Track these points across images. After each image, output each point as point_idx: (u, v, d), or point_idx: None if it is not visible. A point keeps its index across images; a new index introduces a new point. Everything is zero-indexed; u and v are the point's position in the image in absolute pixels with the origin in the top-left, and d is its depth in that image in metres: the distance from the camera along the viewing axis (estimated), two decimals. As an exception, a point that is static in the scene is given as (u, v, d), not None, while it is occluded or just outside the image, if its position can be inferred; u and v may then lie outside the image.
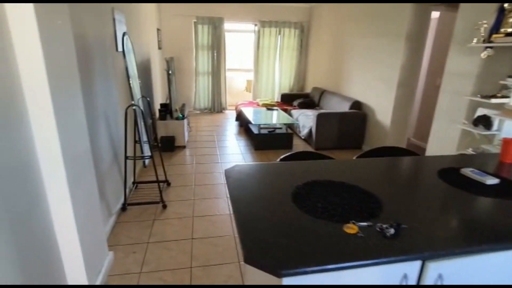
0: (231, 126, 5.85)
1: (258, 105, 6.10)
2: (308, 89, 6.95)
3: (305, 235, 0.92)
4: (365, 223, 1.00)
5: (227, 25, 6.49)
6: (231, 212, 2.70)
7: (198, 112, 6.94)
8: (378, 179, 1.37)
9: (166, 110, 4.38)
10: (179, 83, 6.62)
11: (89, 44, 2.07)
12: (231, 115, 6.74)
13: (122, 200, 2.70)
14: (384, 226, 0.97)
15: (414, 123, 4.98)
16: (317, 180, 1.30)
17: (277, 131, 4.62)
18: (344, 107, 4.68)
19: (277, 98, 7.10)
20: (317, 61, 6.49)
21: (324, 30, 6.06)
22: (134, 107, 2.58)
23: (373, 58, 4.31)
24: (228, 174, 1.34)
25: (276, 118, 4.97)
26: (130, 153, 2.79)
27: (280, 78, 7.10)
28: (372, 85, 4.35)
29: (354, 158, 1.78)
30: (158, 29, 5.73)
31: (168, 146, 4.22)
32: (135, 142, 2.84)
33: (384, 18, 4.02)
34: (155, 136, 3.57)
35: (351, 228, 0.96)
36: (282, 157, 1.73)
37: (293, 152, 1.74)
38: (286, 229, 0.95)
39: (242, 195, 1.16)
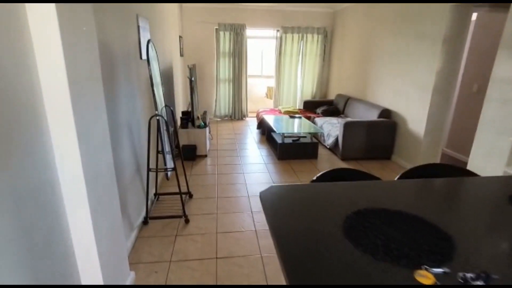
0: (252, 134, 5.71)
1: (280, 112, 5.94)
2: (331, 96, 6.72)
3: (370, 285, 0.75)
4: (440, 270, 0.81)
5: (248, 31, 6.41)
6: (256, 229, 2.54)
7: (218, 119, 6.86)
8: (438, 206, 1.17)
9: (188, 118, 4.30)
10: (200, 90, 6.58)
11: (113, 52, 1.99)
12: (251, 122, 6.61)
13: (143, 213, 2.60)
14: (468, 276, 0.77)
15: (447, 131, 4.65)
16: (368, 208, 1.12)
17: (302, 140, 4.44)
18: (372, 116, 4.43)
19: (299, 105, 6.91)
20: (341, 67, 6.27)
21: (349, 35, 5.84)
22: (158, 117, 2.49)
23: (404, 63, 4.06)
24: (263, 197, 1.18)
25: (301, 126, 4.78)
26: (152, 164, 2.70)
27: (302, 85, 6.91)
28: (403, 92, 4.09)
29: (396, 178, 1.58)
30: (180, 37, 5.72)
31: (189, 155, 4.13)
32: (158, 152, 2.75)
33: (418, 20, 3.77)
34: (177, 144, 3.48)
35: (425, 277, 0.78)
36: (318, 175, 1.55)
37: (328, 170, 1.56)
38: (343, 276, 0.78)
39: (284, 227, 0.99)
